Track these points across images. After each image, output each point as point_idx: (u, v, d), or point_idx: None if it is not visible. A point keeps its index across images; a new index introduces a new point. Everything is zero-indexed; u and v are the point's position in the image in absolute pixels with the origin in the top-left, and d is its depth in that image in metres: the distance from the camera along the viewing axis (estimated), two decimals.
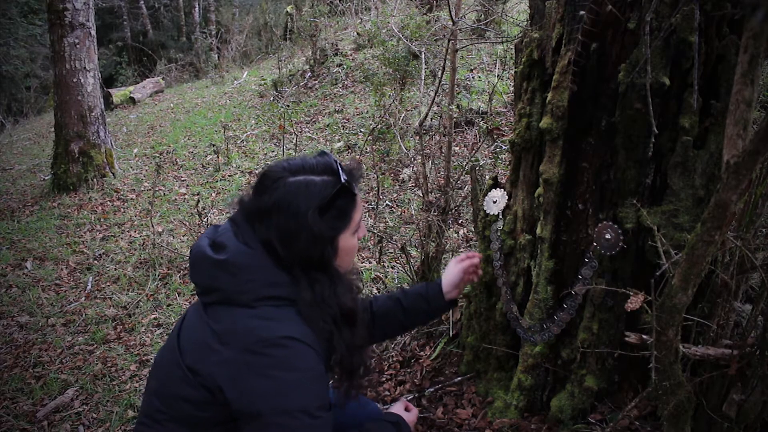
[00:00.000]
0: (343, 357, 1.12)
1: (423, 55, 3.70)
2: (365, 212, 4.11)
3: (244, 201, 1.11)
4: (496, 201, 1.58)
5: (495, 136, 4.16)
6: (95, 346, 2.93)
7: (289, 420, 0.99)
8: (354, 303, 1.12)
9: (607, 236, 1.38)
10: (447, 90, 3.34)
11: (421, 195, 3.07)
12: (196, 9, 15.36)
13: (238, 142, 6.23)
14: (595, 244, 1.39)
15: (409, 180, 4.36)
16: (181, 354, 1.07)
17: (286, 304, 1.05)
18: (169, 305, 3.26)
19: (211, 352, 1.02)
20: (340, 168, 1.08)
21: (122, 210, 4.88)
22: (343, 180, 1.06)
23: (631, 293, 1.23)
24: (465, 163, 3.25)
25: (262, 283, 1.03)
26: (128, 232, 4.44)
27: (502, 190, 1.61)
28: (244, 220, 1.09)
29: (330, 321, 1.06)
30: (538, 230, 1.57)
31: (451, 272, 1.47)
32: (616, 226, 1.37)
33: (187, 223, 4.26)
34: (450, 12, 2.53)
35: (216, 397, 1.02)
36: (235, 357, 0.99)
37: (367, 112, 5.95)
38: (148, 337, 2.97)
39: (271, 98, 7.37)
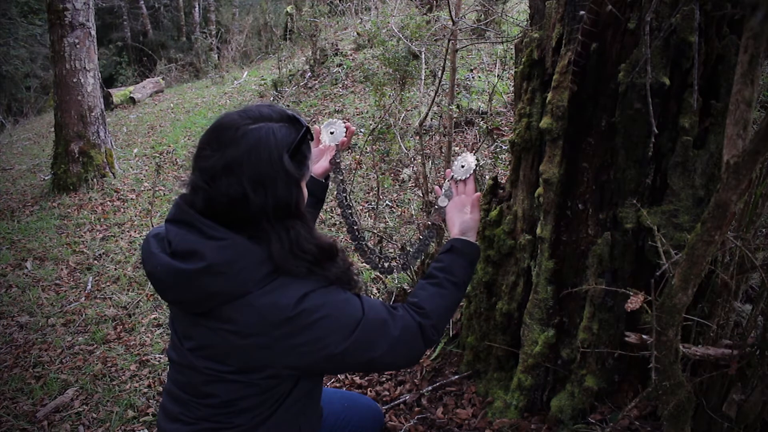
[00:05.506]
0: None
1: (423, 55, 3.69)
2: (365, 211, 4.11)
3: (199, 165, 1.04)
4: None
5: (495, 136, 4.16)
6: (95, 346, 2.93)
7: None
8: (330, 239, 1.13)
9: (462, 165, 1.42)
10: (447, 90, 3.34)
11: (421, 195, 3.07)
12: (196, 9, 15.36)
13: None
14: (452, 173, 1.44)
15: (409, 180, 4.36)
16: (223, 364, 1.05)
17: (278, 274, 1.04)
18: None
19: (251, 349, 1.02)
20: (295, 114, 1.11)
21: (122, 210, 4.88)
22: (305, 125, 1.08)
23: (631, 293, 1.23)
24: None
25: (254, 266, 1.01)
26: (128, 232, 4.44)
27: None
28: (193, 209, 1.03)
29: (305, 266, 1.05)
30: (538, 230, 1.57)
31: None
32: (472, 157, 1.42)
33: None
34: (450, 12, 2.53)
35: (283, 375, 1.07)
36: (275, 335, 1.01)
37: (367, 112, 5.95)
38: (148, 337, 2.97)
39: (271, 98, 7.37)
